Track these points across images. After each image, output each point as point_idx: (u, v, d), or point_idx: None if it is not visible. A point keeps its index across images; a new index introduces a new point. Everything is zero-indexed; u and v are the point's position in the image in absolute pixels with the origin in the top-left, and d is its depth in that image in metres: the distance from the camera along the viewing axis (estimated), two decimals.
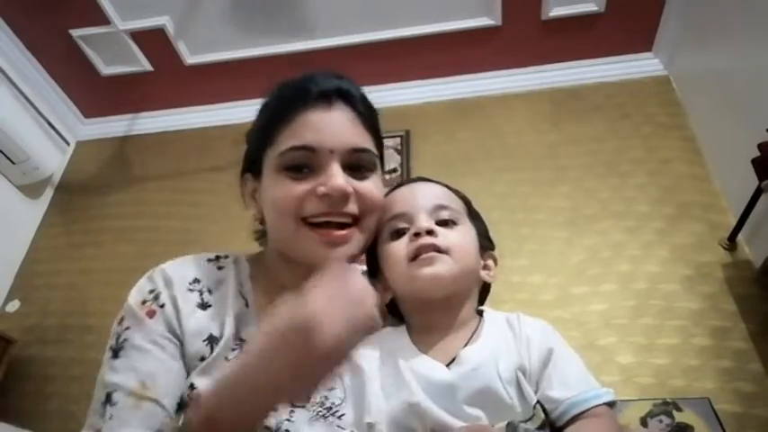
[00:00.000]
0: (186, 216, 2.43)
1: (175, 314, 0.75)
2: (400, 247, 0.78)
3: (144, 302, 0.75)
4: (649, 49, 2.46)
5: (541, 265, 2.01)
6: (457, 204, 0.84)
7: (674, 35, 2.34)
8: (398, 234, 0.80)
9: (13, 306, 2.33)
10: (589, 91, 2.45)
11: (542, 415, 0.69)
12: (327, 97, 0.77)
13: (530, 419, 0.69)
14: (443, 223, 0.79)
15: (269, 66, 2.56)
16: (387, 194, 0.84)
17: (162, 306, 0.75)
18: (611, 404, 0.71)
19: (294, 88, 0.79)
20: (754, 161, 1.67)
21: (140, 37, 2.51)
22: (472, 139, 2.40)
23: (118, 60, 2.60)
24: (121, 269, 2.32)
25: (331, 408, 0.73)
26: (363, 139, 0.79)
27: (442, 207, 0.81)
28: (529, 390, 0.70)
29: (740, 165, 1.75)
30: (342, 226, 0.75)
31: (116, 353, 0.72)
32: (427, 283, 0.75)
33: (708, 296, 1.85)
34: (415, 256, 0.76)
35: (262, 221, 0.85)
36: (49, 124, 2.64)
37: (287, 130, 0.76)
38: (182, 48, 2.54)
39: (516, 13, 2.37)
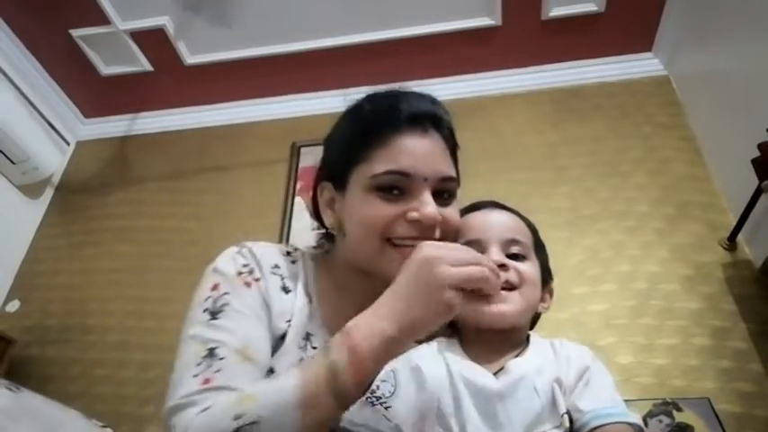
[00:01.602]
0: (186, 216, 2.43)
1: (267, 292, 0.79)
2: None
3: (240, 274, 0.79)
4: (649, 49, 2.46)
5: None
6: (526, 238, 0.87)
7: (673, 35, 2.34)
8: None
9: (13, 306, 2.33)
10: (589, 91, 2.45)
11: (567, 424, 0.71)
12: (422, 122, 0.80)
13: (557, 427, 0.70)
14: (513, 257, 0.82)
15: (269, 66, 2.56)
16: (460, 215, 0.87)
17: (257, 280, 0.79)
18: (635, 427, 0.72)
19: (387, 106, 0.82)
20: (754, 161, 1.67)
21: (140, 37, 2.51)
22: (472, 140, 2.38)
23: (118, 60, 2.60)
24: (121, 269, 2.33)
25: (380, 398, 0.76)
26: (450, 168, 0.83)
27: (513, 241, 0.83)
28: (561, 401, 0.71)
29: (740, 165, 1.75)
30: None
31: (215, 314, 0.74)
32: (493, 319, 0.76)
33: (708, 296, 1.85)
34: None
35: (335, 231, 0.87)
36: (49, 124, 2.64)
37: (382, 152, 0.78)
38: (181, 48, 2.54)
39: (516, 13, 2.36)
